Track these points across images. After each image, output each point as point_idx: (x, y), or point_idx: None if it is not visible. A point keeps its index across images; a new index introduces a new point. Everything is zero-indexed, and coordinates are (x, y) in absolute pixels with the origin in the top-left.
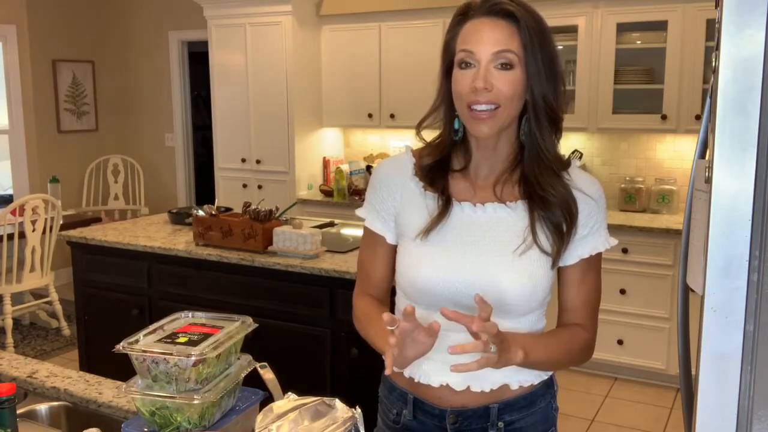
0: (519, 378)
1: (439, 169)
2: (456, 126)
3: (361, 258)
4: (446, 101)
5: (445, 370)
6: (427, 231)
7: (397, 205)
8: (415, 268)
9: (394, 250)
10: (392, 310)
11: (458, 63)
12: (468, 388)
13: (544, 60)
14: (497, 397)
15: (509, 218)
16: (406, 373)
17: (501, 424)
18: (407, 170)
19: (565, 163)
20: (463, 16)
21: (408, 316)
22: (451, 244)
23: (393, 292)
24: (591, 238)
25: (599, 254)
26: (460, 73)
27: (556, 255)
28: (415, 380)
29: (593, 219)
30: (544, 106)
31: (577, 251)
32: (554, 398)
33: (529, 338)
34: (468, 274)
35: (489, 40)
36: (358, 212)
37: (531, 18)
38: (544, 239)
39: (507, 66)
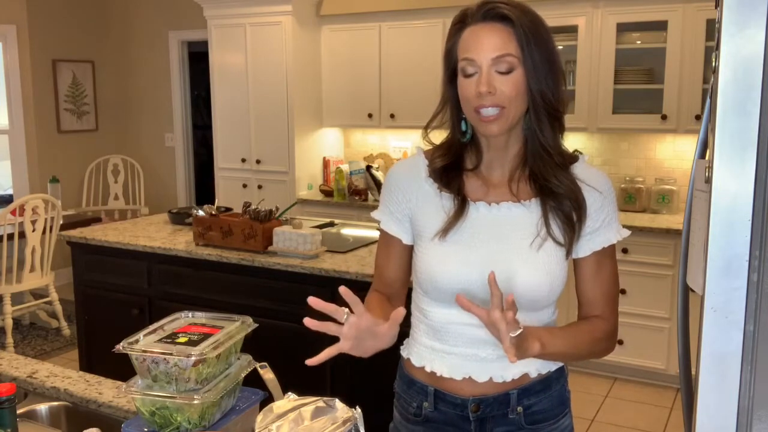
0: (538, 366)
1: (452, 169)
2: (464, 128)
3: (376, 258)
4: (451, 105)
5: (466, 364)
6: (445, 231)
7: (412, 207)
8: (434, 267)
9: (409, 250)
10: (408, 310)
11: (461, 71)
12: (490, 379)
13: (541, 58)
14: (517, 384)
15: (524, 216)
16: (428, 368)
17: (520, 409)
18: (421, 172)
19: (571, 158)
20: (461, 24)
21: (362, 314)
22: (468, 243)
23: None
24: (603, 231)
25: (612, 245)
26: (464, 80)
27: (570, 245)
28: (437, 374)
29: (604, 212)
30: (542, 103)
31: (590, 244)
32: (567, 381)
33: (546, 331)
34: (485, 273)
35: (488, 46)
36: (374, 215)
37: (526, 18)
38: (557, 230)
39: (507, 69)
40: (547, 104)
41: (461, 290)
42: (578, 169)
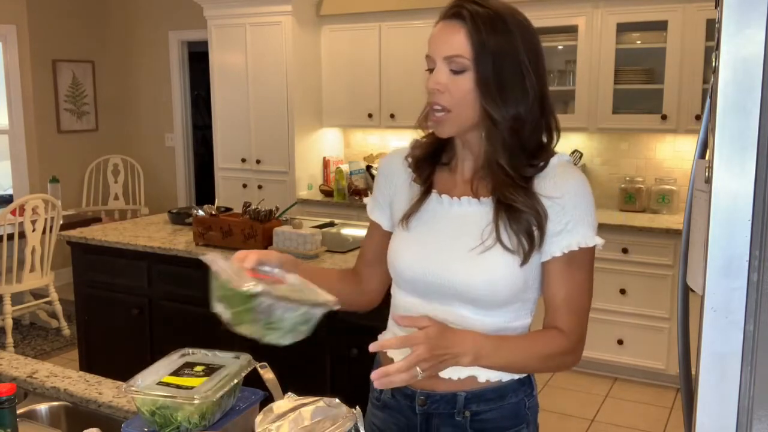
0: (487, 373)
1: (427, 160)
2: None
3: (362, 241)
4: None
5: None
6: (406, 217)
7: (391, 194)
8: (393, 253)
9: (387, 237)
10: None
11: (426, 65)
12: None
13: (499, 70)
14: (465, 386)
15: (478, 214)
16: (389, 353)
17: (468, 413)
18: (401, 161)
19: (542, 159)
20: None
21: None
22: (424, 233)
23: None
24: (565, 236)
25: (583, 252)
26: (427, 76)
27: (526, 255)
28: (395, 361)
29: (567, 216)
30: (494, 119)
31: (550, 248)
32: (529, 396)
33: (488, 341)
34: (433, 264)
35: (442, 44)
36: (365, 200)
37: (488, 20)
38: (507, 238)
39: (459, 69)
40: (496, 120)
41: (414, 279)
42: (542, 175)
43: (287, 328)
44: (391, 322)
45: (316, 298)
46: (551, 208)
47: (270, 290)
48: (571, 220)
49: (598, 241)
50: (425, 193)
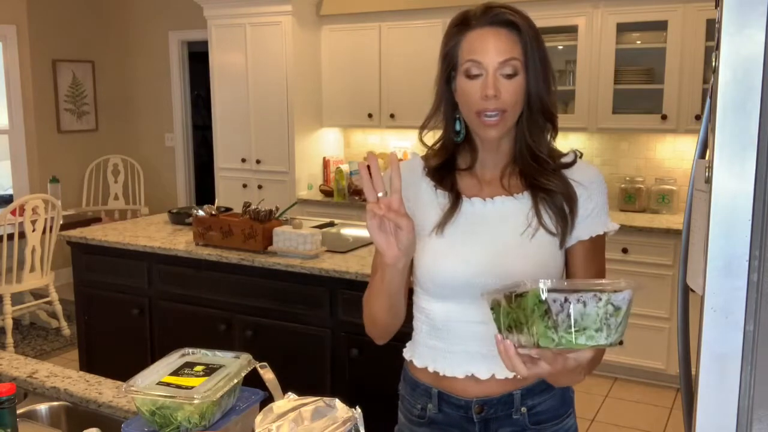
0: None
1: (445, 168)
2: (457, 128)
3: (375, 261)
4: (446, 106)
5: (469, 361)
6: (441, 225)
7: (410, 206)
8: (432, 262)
9: None
10: (409, 311)
11: (465, 72)
12: (493, 376)
13: (539, 63)
14: (519, 383)
15: (516, 208)
16: (430, 368)
17: (524, 410)
18: (418, 171)
19: (560, 156)
20: (462, 26)
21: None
22: (465, 237)
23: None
24: (589, 222)
25: (601, 238)
26: (467, 82)
27: (563, 236)
28: (440, 374)
29: (592, 202)
30: (540, 106)
31: (576, 233)
32: None
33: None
34: (482, 265)
35: (495, 49)
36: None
37: (527, 25)
38: (548, 220)
39: (512, 72)
40: (543, 107)
41: (460, 284)
42: (566, 167)
43: (595, 326)
44: (421, 335)
45: (611, 287)
46: (581, 196)
47: (557, 284)
48: (596, 207)
49: (616, 225)
50: (457, 199)
